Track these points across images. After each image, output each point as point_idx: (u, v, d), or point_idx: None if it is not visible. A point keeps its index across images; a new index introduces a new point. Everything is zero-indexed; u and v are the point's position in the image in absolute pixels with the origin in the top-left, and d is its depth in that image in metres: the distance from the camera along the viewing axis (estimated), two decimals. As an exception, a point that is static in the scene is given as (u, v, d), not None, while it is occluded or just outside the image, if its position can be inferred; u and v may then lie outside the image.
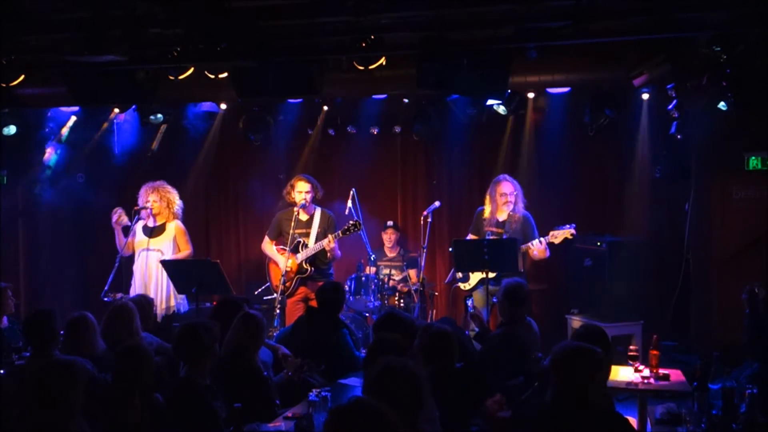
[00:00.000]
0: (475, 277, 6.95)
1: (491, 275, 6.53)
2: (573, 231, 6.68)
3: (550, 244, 6.73)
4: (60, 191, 8.49)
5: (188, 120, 8.46)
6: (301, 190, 6.92)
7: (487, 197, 6.99)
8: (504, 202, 6.84)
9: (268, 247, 7.16)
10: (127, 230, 6.89)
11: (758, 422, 3.92)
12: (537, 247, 6.69)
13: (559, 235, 6.69)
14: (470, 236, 7.12)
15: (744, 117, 6.52)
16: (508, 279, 5.70)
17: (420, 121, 7.92)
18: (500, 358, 4.87)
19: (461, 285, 7.11)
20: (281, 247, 7.06)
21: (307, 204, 6.93)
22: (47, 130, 8.30)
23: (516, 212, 6.85)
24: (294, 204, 6.96)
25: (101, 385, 4.16)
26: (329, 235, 6.82)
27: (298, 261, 6.90)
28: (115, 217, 6.87)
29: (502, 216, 6.90)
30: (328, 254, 6.91)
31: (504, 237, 6.76)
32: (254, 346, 4.68)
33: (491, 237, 6.83)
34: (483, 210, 7.04)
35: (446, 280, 7.83)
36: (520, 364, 4.63)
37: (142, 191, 6.96)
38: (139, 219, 6.92)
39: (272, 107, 8.12)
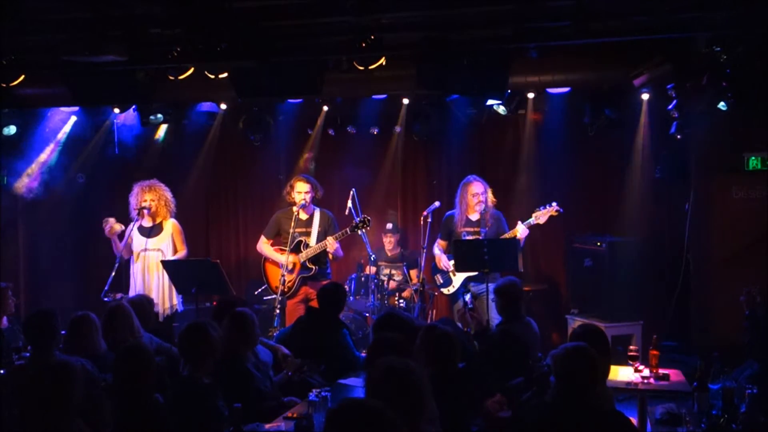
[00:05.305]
0: (458, 280, 6.95)
1: (471, 274, 6.69)
2: (557, 207, 6.69)
3: (536, 225, 6.77)
4: (60, 191, 8.48)
5: (188, 120, 8.46)
6: (301, 191, 6.90)
7: (459, 199, 6.97)
8: (477, 202, 6.85)
9: (266, 246, 7.07)
10: (121, 236, 6.81)
11: (758, 422, 3.92)
12: (522, 233, 6.69)
13: (542, 215, 6.71)
14: (439, 242, 7.12)
15: (744, 117, 6.52)
16: (500, 279, 5.74)
17: (420, 121, 7.92)
18: (500, 358, 4.87)
19: (443, 290, 7.10)
20: (280, 247, 7.04)
21: (307, 204, 6.91)
22: (46, 131, 8.30)
23: (488, 211, 6.88)
24: (293, 204, 6.94)
25: (101, 385, 4.16)
26: (329, 237, 6.80)
27: (301, 260, 6.89)
28: (107, 228, 6.75)
29: (474, 216, 6.91)
30: (330, 254, 6.91)
31: (483, 234, 6.78)
32: (246, 344, 4.68)
33: (468, 237, 6.83)
34: (452, 215, 7.02)
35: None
36: (520, 364, 4.62)
37: (136, 191, 6.91)
38: (134, 221, 6.86)
39: (272, 107, 8.10)
